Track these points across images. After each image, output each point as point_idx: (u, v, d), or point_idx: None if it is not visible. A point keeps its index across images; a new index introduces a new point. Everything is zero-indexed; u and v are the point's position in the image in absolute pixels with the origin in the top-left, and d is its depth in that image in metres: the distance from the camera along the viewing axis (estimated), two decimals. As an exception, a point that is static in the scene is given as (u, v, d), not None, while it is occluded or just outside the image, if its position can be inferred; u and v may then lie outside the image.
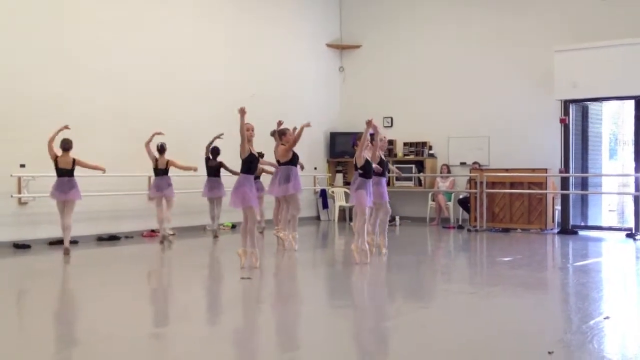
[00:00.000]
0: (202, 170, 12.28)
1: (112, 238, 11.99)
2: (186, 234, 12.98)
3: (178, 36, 13.56)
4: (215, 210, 12.38)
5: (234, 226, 14.37)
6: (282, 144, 10.19)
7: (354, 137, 9.46)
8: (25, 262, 9.77)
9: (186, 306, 6.60)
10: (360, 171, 8.76)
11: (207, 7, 14.38)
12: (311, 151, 16.58)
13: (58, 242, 11.17)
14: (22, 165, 10.89)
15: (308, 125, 10.11)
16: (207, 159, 12.23)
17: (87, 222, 11.59)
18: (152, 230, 12.51)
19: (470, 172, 14.78)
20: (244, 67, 15.01)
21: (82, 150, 10.93)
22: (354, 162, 9.23)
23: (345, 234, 13.63)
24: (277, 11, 16.03)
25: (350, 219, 14.28)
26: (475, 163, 15.26)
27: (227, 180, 11.78)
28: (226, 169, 12.10)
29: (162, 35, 13.24)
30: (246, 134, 8.35)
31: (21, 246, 10.73)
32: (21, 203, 11.03)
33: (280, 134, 10.35)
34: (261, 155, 12.48)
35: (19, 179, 10.84)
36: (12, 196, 10.72)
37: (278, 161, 10.37)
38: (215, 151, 12.19)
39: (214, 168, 12.20)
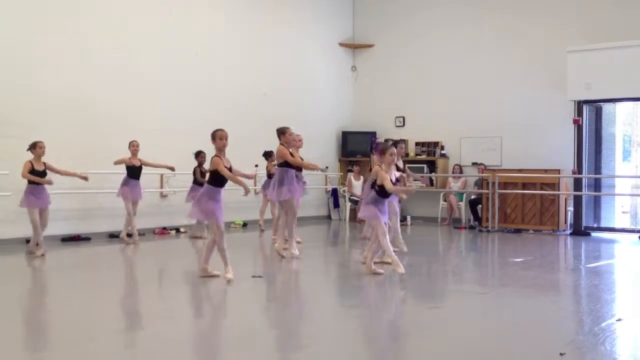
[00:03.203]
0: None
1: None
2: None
3: (191, 35, 13.60)
4: None
5: (245, 224, 14.40)
6: (282, 144, 9.34)
7: (376, 144, 8.65)
8: (37, 258, 9.81)
9: (187, 305, 6.63)
10: (377, 188, 7.92)
11: (221, 7, 14.41)
12: (323, 150, 16.60)
13: (71, 239, 11.28)
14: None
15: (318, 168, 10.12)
16: (196, 167, 12.01)
17: (99, 219, 11.66)
18: (164, 228, 12.55)
19: (480, 174, 14.75)
20: (256, 66, 15.03)
21: (99, 148, 11.02)
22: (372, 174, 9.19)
23: (355, 234, 13.62)
24: (290, 10, 16.04)
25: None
26: (481, 164, 15.21)
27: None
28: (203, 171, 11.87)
29: (176, 35, 13.28)
30: (218, 143, 7.44)
31: (34, 242, 10.79)
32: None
33: (279, 134, 9.47)
34: (269, 153, 12.45)
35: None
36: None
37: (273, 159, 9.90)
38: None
39: (203, 175, 11.84)
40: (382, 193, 7.90)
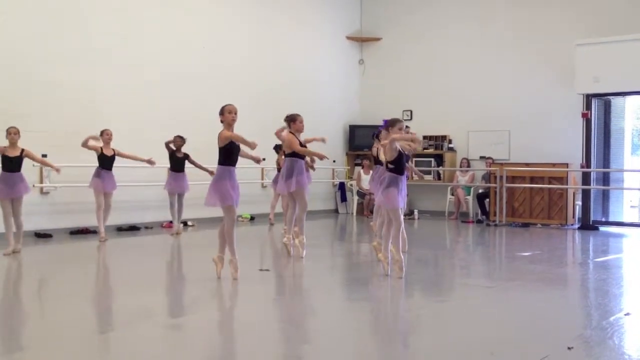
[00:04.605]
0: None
1: (132, 228, 12.08)
2: (206, 225, 13.01)
3: (197, 29, 13.60)
4: (177, 206, 11.58)
5: (252, 218, 14.41)
6: (291, 132, 8.84)
7: (384, 123, 8.02)
8: (47, 251, 9.85)
9: (195, 298, 6.63)
10: (390, 165, 7.33)
11: (227, 1, 14.39)
12: (330, 144, 16.49)
13: (79, 232, 11.32)
14: (44, 156, 10.93)
15: (323, 140, 9.21)
16: (172, 153, 11.48)
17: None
18: (171, 221, 12.55)
19: (488, 167, 14.73)
20: (263, 59, 15.02)
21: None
22: (375, 155, 9.00)
23: (363, 228, 13.61)
24: (297, 4, 16.01)
25: (371, 212, 14.21)
26: (488, 158, 15.18)
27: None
28: (193, 163, 11.47)
29: (182, 29, 13.29)
30: (227, 117, 7.01)
31: (43, 235, 10.84)
32: (43, 193, 11.15)
33: (289, 121, 8.92)
34: (280, 147, 12.42)
35: (41, 169, 10.94)
36: (34, 186, 10.78)
37: (284, 152, 9.25)
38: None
39: (179, 161, 11.50)
40: (396, 170, 7.29)
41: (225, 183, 6.96)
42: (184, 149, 11.54)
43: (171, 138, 11.42)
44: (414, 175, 12.54)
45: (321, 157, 8.81)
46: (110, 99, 11.90)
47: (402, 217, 7.40)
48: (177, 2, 13.33)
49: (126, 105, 12.16)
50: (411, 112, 16.96)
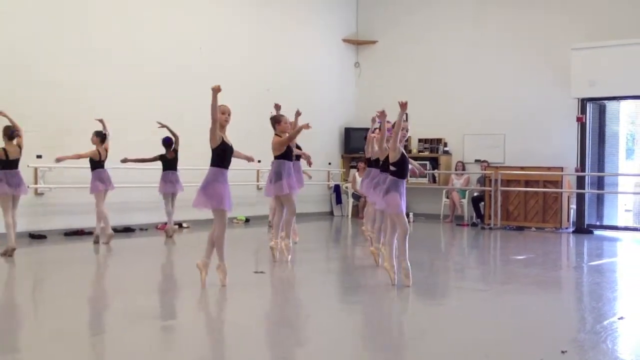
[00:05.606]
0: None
1: (126, 230, 12.05)
2: (201, 226, 13.00)
3: (197, 29, 13.61)
4: (170, 207, 11.36)
5: (247, 220, 14.41)
6: (277, 134, 8.65)
7: (383, 124, 7.95)
8: (41, 252, 9.84)
9: (195, 300, 6.65)
10: (393, 168, 7.08)
11: (224, 3, 14.41)
12: (326, 147, 16.59)
13: (73, 233, 11.30)
14: (39, 156, 10.98)
15: (307, 127, 8.62)
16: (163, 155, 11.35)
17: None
18: (165, 223, 12.57)
19: (483, 170, 14.77)
20: (260, 61, 15.02)
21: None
22: (369, 156, 9.01)
23: (358, 230, 13.63)
24: (294, 6, 16.02)
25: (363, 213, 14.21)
26: (484, 161, 15.21)
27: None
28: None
29: (182, 29, 13.30)
30: (220, 117, 6.79)
31: (37, 236, 10.82)
32: (37, 194, 11.13)
33: (274, 122, 8.74)
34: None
35: (36, 169, 10.94)
36: (28, 187, 10.76)
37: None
38: (169, 142, 11.27)
39: (171, 161, 11.31)
40: (398, 172, 7.05)
41: (218, 186, 6.74)
42: (182, 150, 11.54)
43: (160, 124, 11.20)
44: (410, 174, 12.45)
45: (307, 127, 8.56)
46: (110, 99, 11.88)
47: (407, 224, 7.07)
48: (177, 2, 13.36)
49: (126, 105, 12.13)
50: (407, 115, 16.82)
